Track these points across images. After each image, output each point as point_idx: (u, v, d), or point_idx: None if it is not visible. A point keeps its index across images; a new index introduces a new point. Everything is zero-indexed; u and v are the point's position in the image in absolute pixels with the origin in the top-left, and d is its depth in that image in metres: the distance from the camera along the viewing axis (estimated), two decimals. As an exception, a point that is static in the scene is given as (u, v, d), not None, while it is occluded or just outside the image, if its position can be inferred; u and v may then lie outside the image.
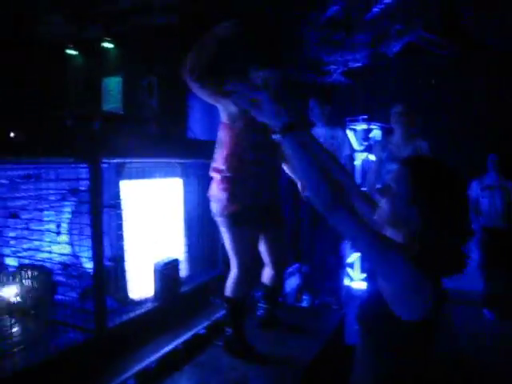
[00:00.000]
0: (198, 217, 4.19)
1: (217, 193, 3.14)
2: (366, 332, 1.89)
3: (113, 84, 5.76)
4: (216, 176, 3.16)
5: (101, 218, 2.99)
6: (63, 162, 3.07)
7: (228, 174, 3.10)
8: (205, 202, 3.53)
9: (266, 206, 3.26)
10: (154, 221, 3.77)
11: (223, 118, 3.17)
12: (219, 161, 3.16)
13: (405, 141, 4.82)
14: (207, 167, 3.28)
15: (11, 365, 2.51)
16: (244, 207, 3.09)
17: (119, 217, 3.38)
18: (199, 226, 4.24)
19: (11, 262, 3.37)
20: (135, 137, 3.47)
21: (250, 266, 3.22)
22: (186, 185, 4.13)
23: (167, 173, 3.95)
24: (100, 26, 5.51)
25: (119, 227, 3.40)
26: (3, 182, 3.23)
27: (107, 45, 5.73)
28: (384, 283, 1.74)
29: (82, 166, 2.97)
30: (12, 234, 3.38)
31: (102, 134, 3.21)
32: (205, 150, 4.10)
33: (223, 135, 3.17)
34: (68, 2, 5.15)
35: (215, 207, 3.16)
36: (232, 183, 3.10)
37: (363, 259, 6.76)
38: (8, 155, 2.74)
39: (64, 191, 3.22)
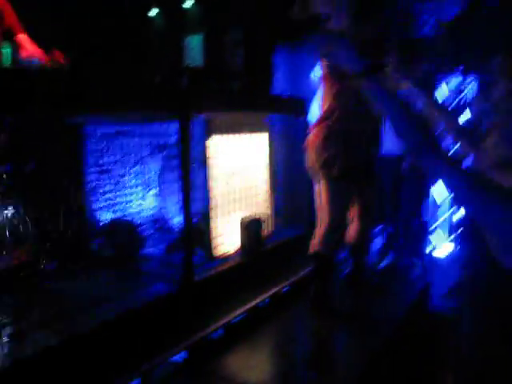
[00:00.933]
0: (284, 173, 4.15)
1: (316, 144, 3.10)
2: (472, 296, 1.75)
3: (195, 41, 5.75)
4: (317, 127, 3.13)
5: (189, 173, 3.01)
6: (154, 117, 3.10)
7: (330, 125, 3.06)
8: (291, 157, 3.47)
9: (364, 161, 3.20)
10: (241, 176, 3.77)
11: (332, 69, 3.10)
12: (321, 112, 3.14)
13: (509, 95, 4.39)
14: (293, 122, 3.22)
15: (101, 314, 2.61)
16: (343, 160, 3.04)
17: (206, 172, 3.40)
18: (285, 182, 4.19)
19: (103, 215, 3.50)
20: (221, 92, 3.42)
21: (340, 221, 3.17)
22: (272, 140, 4.07)
23: (253, 128, 3.90)
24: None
25: (206, 183, 3.42)
26: (97, 138, 3.32)
27: (189, 2, 5.70)
28: (491, 233, 1.58)
29: (171, 121, 2.98)
30: (104, 190, 3.51)
31: (189, 89, 3.18)
32: (290, 104, 4.01)
33: (329, 86, 3.10)
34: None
35: (312, 158, 3.13)
36: (334, 134, 3.06)
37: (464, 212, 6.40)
38: (101, 112, 2.80)
39: (154, 147, 3.27)
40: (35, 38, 3.25)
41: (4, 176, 3.07)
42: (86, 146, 3.30)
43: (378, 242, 5.68)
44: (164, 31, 5.93)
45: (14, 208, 2.98)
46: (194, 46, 5.75)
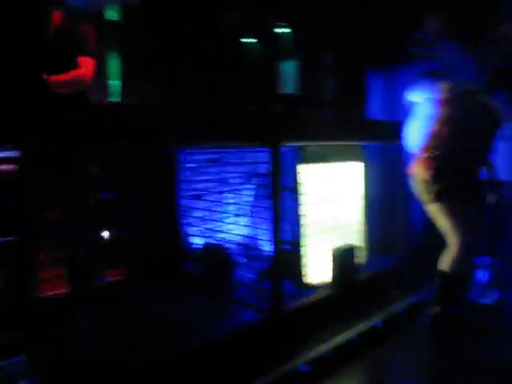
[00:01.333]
0: (378, 202, 4.00)
1: (427, 176, 3.12)
2: None
3: (289, 67, 5.79)
4: (425, 157, 3.16)
5: (280, 202, 2.99)
6: (245, 146, 3.14)
7: (441, 155, 3.09)
8: (386, 185, 3.35)
9: (471, 184, 3.20)
10: (333, 205, 3.68)
11: (437, 94, 3.15)
12: (428, 138, 3.17)
13: None
14: (388, 148, 3.14)
15: (188, 339, 2.64)
16: (451, 183, 3.08)
17: (298, 201, 3.37)
18: (380, 211, 4.03)
19: (196, 240, 3.58)
20: (314, 120, 3.39)
21: (469, 239, 3.13)
22: (367, 168, 3.95)
23: (347, 156, 3.80)
24: (275, 11, 5.56)
25: (297, 211, 3.39)
26: (189, 165, 3.43)
27: (283, 29, 5.77)
28: None
29: (262, 149, 3.00)
30: (196, 215, 3.59)
31: (282, 117, 3.19)
32: (387, 131, 3.88)
33: (435, 112, 3.15)
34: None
35: (423, 189, 3.17)
36: (445, 165, 3.08)
37: None
38: (194, 141, 2.89)
39: (244, 174, 3.31)
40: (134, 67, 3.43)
41: (107, 201, 3.27)
42: (180, 172, 3.42)
43: (481, 276, 5.27)
44: (258, 57, 6.04)
45: (110, 230, 3.15)
46: (289, 71, 5.79)
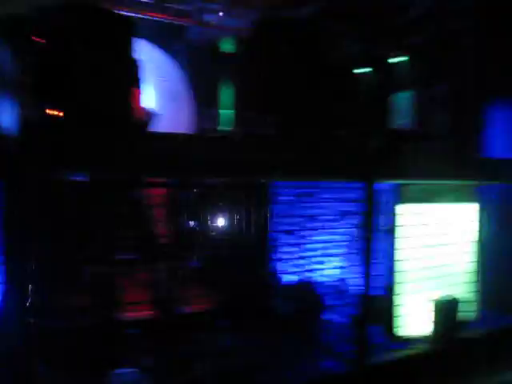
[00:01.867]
0: (495, 249, 3.54)
1: None
2: None
3: (403, 98, 5.50)
4: None
5: (373, 244, 2.77)
6: (339, 181, 2.98)
7: None
8: (508, 231, 2.96)
9: None
10: (437, 251, 3.32)
11: None
12: None
13: None
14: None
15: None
16: None
17: (395, 243, 3.09)
18: (495, 260, 3.57)
19: (285, 277, 3.44)
20: (419, 156, 3.10)
21: None
22: (482, 211, 3.52)
23: (458, 196, 3.43)
24: (391, 40, 5.34)
25: (394, 255, 3.11)
26: (282, 199, 3.33)
27: (398, 58, 5.51)
28: None
29: (356, 186, 2.81)
30: (287, 250, 3.46)
31: (381, 153, 2.97)
32: (508, 170, 3.47)
33: None
34: (361, 24, 5.16)
35: None
36: None
37: None
38: (286, 175, 2.79)
39: (337, 212, 3.12)
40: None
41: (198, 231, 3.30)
42: (272, 206, 3.34)
43: None
44: (370, 88, 5.83)
45: (199, 260, 3.15)
46: (402, 103, 5.49)
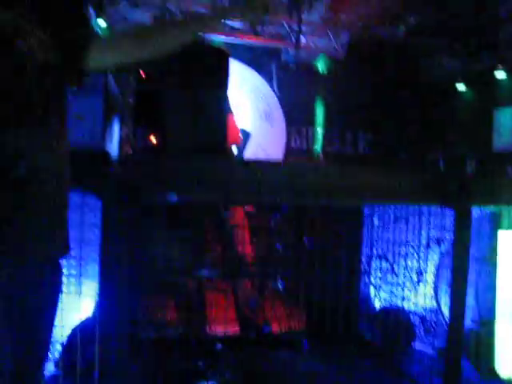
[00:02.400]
0: None
1: None
2: None
3: (507, 116, 5.16)
4: None
5: (465, 273, 2.62)
6: (427, 206, 2.88)
7: None
8: None
9: None
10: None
11: None
12: None
13: None
14: None
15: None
16: None
17: (494, 273, 2.91)
18: None
19: (374, 302, 3.38)
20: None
21: None
22: None
23: None
24: (492, 55, 5.05)
25: (493, 284, 2.92)
26: (373, 224, 3.29)
27: (500, 73, 5.18)
28: None
29: (448, 212, 2.70)
30: (377, 275, 3.40)
31: (474, 177, 2.84)
32: None
33: None
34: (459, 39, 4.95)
35: None
36: None
37: None
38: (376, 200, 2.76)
39: (430, 238, 3.01)
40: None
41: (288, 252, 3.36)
42: (363, 230, 3.31)
43: None
44: (470, 107, 5.55)
45: (287, 281, 3.20)
46: (506, 121, 5.17)
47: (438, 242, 2.95)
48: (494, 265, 2.95)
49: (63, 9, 1.16)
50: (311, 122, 5.80)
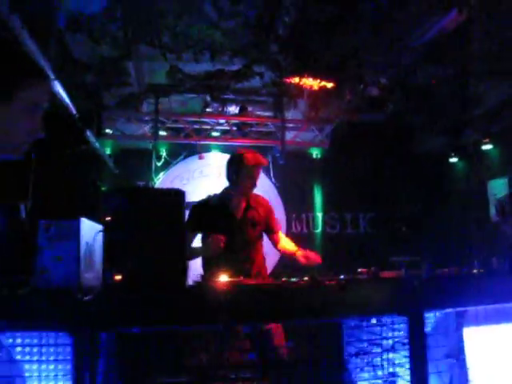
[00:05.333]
0: None
1: None
2: None
3: (498, 187, 5.21)
4: None
5: (423, 373, 2.68)
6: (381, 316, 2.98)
7: None
8: None
9: None
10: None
11: None
12: None
13: None
14: None
15: None
16: None
17: (462, 371, 2.93)
18: None
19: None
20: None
21: None
22: None
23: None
24: (477, 129, 5.17)
25: (463, 383, 2.94)
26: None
27: (487, 146, 5.28)
28: None
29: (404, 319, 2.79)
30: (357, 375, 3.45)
31: (428, 281, 2.93)
32: None
33: None
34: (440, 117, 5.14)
35: None
36: None
37: None
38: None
39: (396, 341, 3.08)
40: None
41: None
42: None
43: None
44: (461, 177, 5.67)
45: None
46: (498, 192, 5.23)
47: (395, 348, 3.01)
48: (463, 362, 2.97)
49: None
50: (312, 207, 6.06)
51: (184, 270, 2.98)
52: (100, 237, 2.93)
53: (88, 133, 4.82)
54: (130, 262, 2.85)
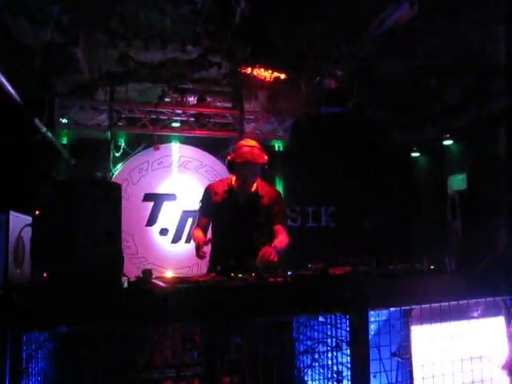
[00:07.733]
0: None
1: None
2: None
3: (457, 182, 5.21)
4: None
5: (365, 372, 2.64)
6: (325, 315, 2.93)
7: None
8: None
9: None
10: (462, 374, 3.03)
11: None
12: None
13: None
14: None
15: None
16: None
17: (408, 369, 2.90)
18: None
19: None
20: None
21: None
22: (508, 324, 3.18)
23: (480, 312, 3.14)
24: (438, 124, 5.16)
25: (408, 380, 2.90)
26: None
27: (447, 142, 5.28)
28: None
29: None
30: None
31: (371, 280, 2.88)
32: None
33: None
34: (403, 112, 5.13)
35: None
36: None
37: None
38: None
39: (339, 340, 3.03)
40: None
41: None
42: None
43: None
44: (425, 173, 5.66)
45: None
46: (458, 187, 5.23)
47: (344, 343, 2.96)
48: (409, 360, 2.94)
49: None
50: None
51: (118, 267, 2.85)
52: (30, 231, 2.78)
53: (38, 122, 4.63)
54: (57, 258, 2.70)
